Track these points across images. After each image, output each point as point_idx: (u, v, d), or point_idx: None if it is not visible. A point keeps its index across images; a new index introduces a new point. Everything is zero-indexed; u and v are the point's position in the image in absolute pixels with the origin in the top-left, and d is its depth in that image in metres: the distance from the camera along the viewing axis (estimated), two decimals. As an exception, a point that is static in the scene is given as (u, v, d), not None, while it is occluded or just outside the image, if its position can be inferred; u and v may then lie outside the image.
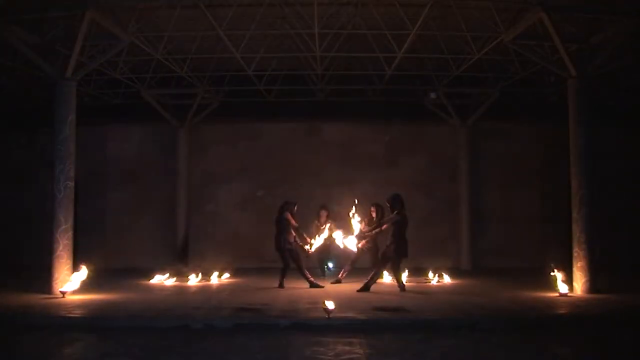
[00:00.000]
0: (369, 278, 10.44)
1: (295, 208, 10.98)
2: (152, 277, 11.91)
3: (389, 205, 10.44)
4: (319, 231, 11.50)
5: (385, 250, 10.45)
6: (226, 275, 12.55)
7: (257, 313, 8.14)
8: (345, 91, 14.92)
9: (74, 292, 9.58)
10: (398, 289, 10.32)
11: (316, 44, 11.35)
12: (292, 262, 10.86)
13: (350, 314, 7.93)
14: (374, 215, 11.28)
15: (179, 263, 14.50)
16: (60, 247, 9.64)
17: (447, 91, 14.45)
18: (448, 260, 14.25)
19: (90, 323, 7.69)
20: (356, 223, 10.82)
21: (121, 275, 12.38)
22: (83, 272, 9.80)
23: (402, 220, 10.25)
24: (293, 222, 10.79)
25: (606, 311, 8.47)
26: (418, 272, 12.14)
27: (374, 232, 10.82)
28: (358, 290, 10.23)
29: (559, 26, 9.51)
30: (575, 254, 9.99)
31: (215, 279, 12.13)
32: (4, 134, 15.54)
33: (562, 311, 8.45)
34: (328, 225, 11.56)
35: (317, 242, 11.13)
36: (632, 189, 14.57)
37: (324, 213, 11.95)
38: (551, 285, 9.86)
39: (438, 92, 14.50)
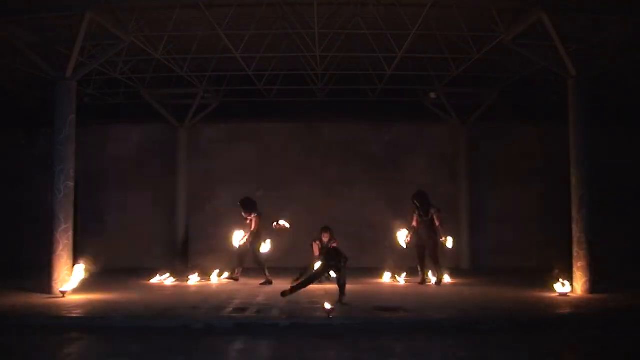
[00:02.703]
0: (436, 274, 11.37)
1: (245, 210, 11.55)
2: (152, 277, 11.91)
3: (424, 202, 11.29)
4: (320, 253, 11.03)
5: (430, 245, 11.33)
6: (226, 274, 12.54)
7: (257, 313, 8.15)
8: (345, 91, 14.90)
9: (74, 292, 9.58)
10: (419, 280, 11.40)
11: (316, 44, 11.35)
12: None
13: (350, 314, 7.94)
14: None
15: (179, 263, 14.51)
16: (60, 247, 9.62)
17: (447, 91, 14.44)
18: (448, 260, 14.23)
19: (90, 323, 7.69)
20: (403, 236, 11.51)
21: (121, 275, 12.36)
22: (82, 272, 9.80)
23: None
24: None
25: (606, 311, 8.48)
26: (418, 272, 12.11)
27: (438, 222, 11.23)
28: (437, 284, 11.20)
29: (559, 26, 9.51)
30: (575, 254, 9.98)
31: (215, 279, 12.14)
32: (3, 134, 15.53)
33: (562, 311, 8.45)
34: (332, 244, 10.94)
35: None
36: (632, 189, 14.55)
37: (325, 235, 11.31)
38: (551, 285, 9.87)
39: (438, 92, 14.50)
